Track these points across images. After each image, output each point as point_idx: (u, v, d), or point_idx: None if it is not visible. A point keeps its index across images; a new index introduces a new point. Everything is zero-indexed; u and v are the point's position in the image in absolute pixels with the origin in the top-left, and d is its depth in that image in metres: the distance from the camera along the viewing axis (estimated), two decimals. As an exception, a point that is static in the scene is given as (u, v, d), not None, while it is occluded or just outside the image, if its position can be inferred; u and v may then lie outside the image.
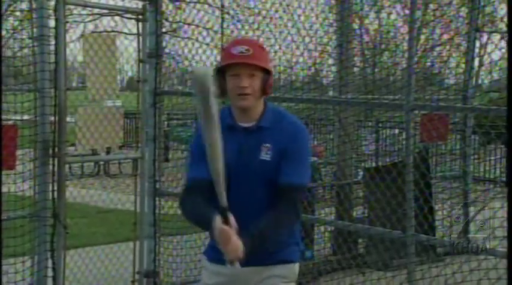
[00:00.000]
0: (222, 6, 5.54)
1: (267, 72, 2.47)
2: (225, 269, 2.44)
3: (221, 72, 2.48)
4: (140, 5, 4.98)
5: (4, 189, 4.11)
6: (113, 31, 6.41)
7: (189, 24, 5.62)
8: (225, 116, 2.48)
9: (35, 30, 4.28)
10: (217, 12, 5.54)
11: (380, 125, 10.73)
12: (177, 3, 5.51)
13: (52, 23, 4.30)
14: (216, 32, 5.49)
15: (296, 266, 2.60)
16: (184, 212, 2.55)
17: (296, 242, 2.61)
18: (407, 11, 6.16)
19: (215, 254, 2.48)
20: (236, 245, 2.28)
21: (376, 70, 7.61)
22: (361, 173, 6.61)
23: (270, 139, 2.47)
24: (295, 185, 2.44)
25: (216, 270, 2.59)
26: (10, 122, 4.34)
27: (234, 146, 2.45)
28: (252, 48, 2.45)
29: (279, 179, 2.44)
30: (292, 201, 2.45)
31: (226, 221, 2.31)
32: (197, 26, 5.53)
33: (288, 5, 5.58)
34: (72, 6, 7.92)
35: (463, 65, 6.38)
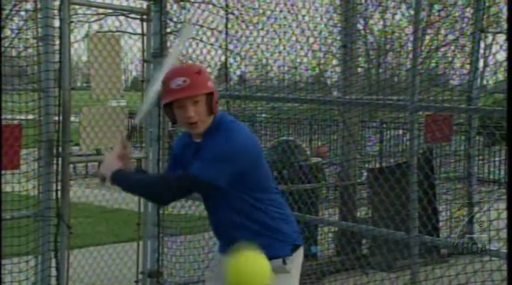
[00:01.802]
0: (227, 6, 5.55)
1: (210, 93, 2.61)
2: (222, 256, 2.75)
3: (168, 104, 2.65)
4: (145, 5, 4.99)
5: (8, 188, 4.12)
6: (117, 31, 6.42)
7: (193, 24, 5.62)
8: (185, 136, 2.80)
9: (39, 30, 4.29)
10: (222, 13, 5.54)
11: (384, 126, 10.71)
12: (182, 2, 5.51)
13: (57, 22, 4.30)
14: (220, 32, 5.49)
15: (279, 261, 2.68)
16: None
17: (280, 239, 2.70)
18: (412, 12, 6.15)
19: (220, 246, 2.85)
20: (108, 163, 2.71)
21: (381, 70, 7.60)
22: (365, 174, 6.60)
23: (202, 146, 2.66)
24: (189, 174, 2.56)
25: (217, 257, 2.87)
26: (15, 122, 4.35)
27: (185, 155, 2.72)
28: (189, 77, 2.58)
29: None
30: (179, 182, 2.58)
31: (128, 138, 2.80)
32: (201, 26, 5.53)
33: (292, 5, 5.58)
34: (77, 6, 7.94)
35: (467, 66, 6.36)
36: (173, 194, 2.63)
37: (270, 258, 2.58)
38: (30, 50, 4.53)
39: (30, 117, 4.46)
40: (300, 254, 2.77)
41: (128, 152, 2.78)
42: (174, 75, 2.62)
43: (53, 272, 4.36)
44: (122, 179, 2.67)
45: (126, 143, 2.77)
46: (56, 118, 4.31)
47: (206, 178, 2.54)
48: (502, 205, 4.82)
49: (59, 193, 4.32)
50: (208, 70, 5.70)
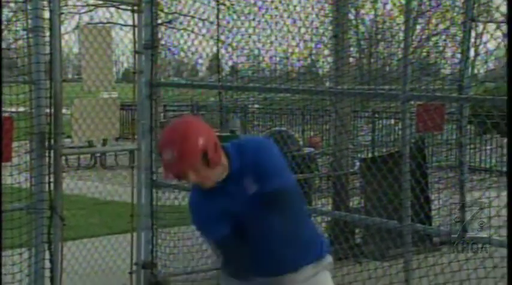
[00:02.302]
0: (218, -4, 5.53)
1: (204, 153, 2.39)
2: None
3: None
4: (135, -4, 4.96)
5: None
6: (108, 22, 6.39)
7: (184, 15, 5.60)
8: (199, 187, 2.53)
9: (29, 21, 4.26)
10: (213, 3, 5.52)
11: (376, 115, 10.74)
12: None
13: (47, 14, 4.27)
14: (212, 23, 5.48)
15: (330, 257, 2.77)
16: None
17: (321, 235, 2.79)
18: (403, 1, 6.15)
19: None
20: None
21: (372, 60, 7.61)
22: (357, 163, 6.62)
23: (245, 174, 2.48)
24: (282, 189, 2.51)
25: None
26: (6, 114, 4.33)
27: (226, 198, 2.50)
28: (175, 149, 2.36)
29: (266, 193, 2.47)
30: (285, 202, 2.54)
31: None
32: (193, 17, 5.51)
33: (283, -4, 5.57)
34: (67, -2, 7.87)
35: (458, 55, 6.37)
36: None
37: (323, 256, 2.70)
38: (20, 42, 4.50)
39: (22, 109, 4.43)
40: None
41: None
42: (163, 146, 2.43)
43: (47, 264, 4.36)
44: None
45: None
46: (48, 110, 4.29)
47: (291, 186, 2.58)
48: (494, 193, 4.86)
49: (52, 185, 4.31)
50: (200, 61, 5.71)
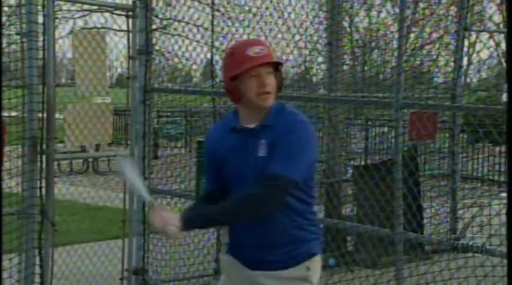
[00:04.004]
0: (213, 3, 5.54)
1: (278, 69, 2.46)
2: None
3: (234, 79, 2.41)
4: (130, 1, 4.97)
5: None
6: (102, 27, 6.39)
7: (179, 21, 5.60)
8: (229, 120, 2.51)
9: (23, 25, 4.25)
10: (208, 9, 5.53)
11: (369, 123, 10.77)
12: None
13: (41, 18, 4.27)
14: (206, 29, 5.48)
15: (303, 266, 2.44)
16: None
17: (300, 240, 2.45)
18: (397, 10, 6.18)
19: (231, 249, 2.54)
20: (164, 219, 2.33)
21: (366, 68, 7.63)
22: (350, 171, 6.63)
23: (267, 135, 2.39)
24: (279, 176, 2.30)
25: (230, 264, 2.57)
26: (-2, 118, 4.31)
27: (237, 148, 2.43)
28: (264, 47, 2.43)
29: (265, 170, 2.33)
30: (270, 188, 2.31)
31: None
32: (187, 23, 5.52)
33: (278, 3, 5.59)
34: (61, 2, 7.87)
35: (452, 64, 6.41)
36: (272, 202, 2.32)
37: (305, 258, 2.42)
38: (13, 46, 4.49)
39: (14, 113, 4.42)
40: (320, 264, 2.52)
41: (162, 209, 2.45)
42: (250, 44, 2.45)
43: (37, 269, 4.33)
44: (196, 220, 2.38)
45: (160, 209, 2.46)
46: (40, 115, 4.28)
47: (294, 176, 2.32)
48: (485, 202, 4.87)
49: (43, 190, 4.29)
50: (194, 67, 5.71)
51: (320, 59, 6.29)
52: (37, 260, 4.32)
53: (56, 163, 4.78)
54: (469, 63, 6.77)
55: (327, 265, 5.56)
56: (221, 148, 2.47)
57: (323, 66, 6.28)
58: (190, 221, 2.37)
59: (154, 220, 2.36)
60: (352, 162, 7.68)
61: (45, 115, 4.30)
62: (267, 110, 2.42)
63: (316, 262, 2.49)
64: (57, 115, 4.51)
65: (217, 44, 5.50)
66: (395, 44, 5.99)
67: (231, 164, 2.43)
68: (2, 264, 4.24)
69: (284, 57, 5.82)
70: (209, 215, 2.39)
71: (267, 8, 5.54)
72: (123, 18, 5.06)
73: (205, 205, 2.50)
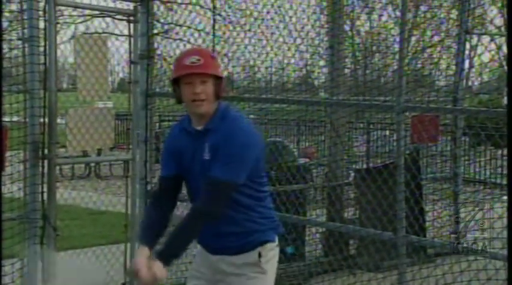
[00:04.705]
0: (214, 7, 5.54)
1: (218, 78, 2.66)
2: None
3: (176, 82, 2.67)
4: (131, 6, 4.97)
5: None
6: (104, 32, 6.39)
7: (180, 26, 5.61)
8: (184, 121, 2.76)
9: (25, 31, 4.26)
10: (209, 14, 5.54)
11: (371, 126, 10.76)
12: (169, 4, 5.51)
13: (42, 24, 4.28)
14: (207, 34, 5.49)
15: (255, 252, 2.68)
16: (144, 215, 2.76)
17: (252, 230, 2.68)
18: (398, 13, 6.19)
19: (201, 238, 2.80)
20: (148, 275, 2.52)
21: (367, 71, 7.63)
22: (352, 174, 6.62)
23: (211, 138, 2.63)
24: (221, 180, 2.55)
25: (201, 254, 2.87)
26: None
27: (188, 149, 2.68)
28: (203, 57, 2.65)
29: (207, 175, 2.58)
30: (215, 195, 2.58)
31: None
32: (189, 27, 5.52)
33: (279, 7, 5.59)
34: (62, 7, 7.89)
35: (453, 67, 6.40)
36: (217, 209, 2.58)
37: (256, 245, 2.66)
38: (15, 51, 4.50)
39: (16, 118, 4.42)
40: (276, 253, 2.76)
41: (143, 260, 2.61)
42: (189, 53, 2.69)
43: (39, 274, 4.32)
44: (171, 254, 2.61)
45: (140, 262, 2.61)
46: (42, 120, 4.28)
47: (234, 179, 2.56)
48: (487, 205, 4.86)
49: (45, 195, 4.29)
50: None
51: (321, 63, 6.30)
52: (39, 265, 4.31)
53: (57, 167, 4.78)
54: (471, 66, 6.76)
55: (285, 254, 5.55)
56: (177, 146, 2.75)
57: (324, 70, 6.28)
58: (167, 257, 2.58)
59: (144, 278, 2.52)
60: (354, 165, 7.67)
61: (47, 120, 4.31)
62: (210, 114, 2.65)
63: (269, 250, 2.72)
64: (59, 120, 4.52)
65: (218, 48, 5.51)
66: (396, 47, 5.99)
67: (184, 161, 2.71)
68: (3, 269, 4.24)
69: (285, 61, 5.82)
70: (176, 244, 2.61)
71: (268, 12, 5.54)
72: (125, 23, 5.06)
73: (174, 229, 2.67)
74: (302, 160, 7.39)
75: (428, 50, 6.80)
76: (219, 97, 2.66)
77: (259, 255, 2.68)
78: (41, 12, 4.25)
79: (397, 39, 5.18)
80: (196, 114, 2.66)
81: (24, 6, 4.25)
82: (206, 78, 2.62)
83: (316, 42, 6.06)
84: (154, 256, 2.59)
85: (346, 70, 6.88)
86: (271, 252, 2.73)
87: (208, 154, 2.63)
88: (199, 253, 2.87)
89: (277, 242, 2.76)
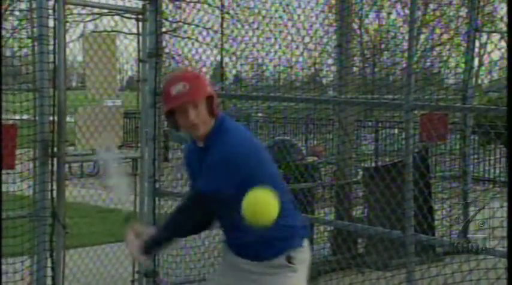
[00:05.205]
0: (222, 6, 5.55)
1: (209, 96, 2.67)
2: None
3: (169, 111, 2.71)
4: (140, 4, 4.98)
5: (3, 188, 4.10)
6: (112, 31, 6.42)
7: (189, 24, 5.62)
8: (191, 143, 2.82)
9: (34, 29, 4.28)
10: (217, 12, 5.54)
11: (379, 125, 10.73)
12: (177, 2, 5.51)
13: (51, 22, 4.29)
14: (216, 32, 5.49)
15: (265, 263, 2.71)
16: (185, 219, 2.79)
17: (267, 241, 2.70)
18: (407, 11, 6.16)
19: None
20: (132, 247, 2.74)
21: (376, 70, 7.61)
22: (360, 173, 6.61)
23: (209, 154, 2.68)
24: (197, 193, 2.70)
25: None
26: (10, 122, 4.34)
27: (196, 165, 2.76)
28: (188, 82, 2.64)
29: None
30: (191, 201, 2.72)
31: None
32: (197, 25, 5.53)
33: (287, 5, 5.58)
34: (71, 6, 7.92)
35: (462, 65, 6.37)
36: (201, 214, 2.71)
37: (278, 254, 2.68)
38: (24, 50, 4.52)
39: (25, 117, 4.45)
40: (306, 256, 2.79)
41: (138, 229, 2.82)
42: (174, 82, 2.68)
43: (49, 272, 4.35)
44: (155, 244, 2.75)
45: (136, 228, 2.82)
46: (51, 118, 4.30)
47: (211, 190, 2.62)
48: (497, 204, 4.84)
49: (54, 193, 4.31)
50: (204, 69, 5.72)
51: (330, 61, 6.29)
52: (49, 263, 4.34)
53: (67, 165, 4.80)
54: (480, 64, 6.73)
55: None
56: (189, 164, 2.87)
57: (333, 68, 6.27)
58: (152, 246, 2.74)
59: (126, 241, 2.74)
60: (362, 164, 7.65)
61: (56, 118, 4.33)
62: (208, 132, 2.70)
63: (298, 253, 2.74)
64: (68, 118, 4.53)
65: (226, 46, 5.51)
66: (405, 45, 5.97)
67: (196, 177, 2.79)
68: (13, 266, 4.27)
69: (294, 59, 5.82)
70: (162, 236, 2.75)
71: (276, 11, 5.54)
72: (133, 21, 5.07)
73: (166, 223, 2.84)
74: (310, 159, 7.38)
75: (438, 48, 6.77)
76: (213, 114, 2.68)
77: (287, 259, 2.72)
78: (50, 11, 4.27)
79: (406, 37, 5.16)
80: (197, 136, 2.73)
81: (34, 5, 4.27)
82: (197, 102, 2.64)
83: (325, 40, 6.05)
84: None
85: (355, 69, 6.87)
86: (299, 254, 2.76)
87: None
88: (225, 250, 2.90)
89: (305, 246, 2.78)
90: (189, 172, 2.88)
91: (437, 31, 6.72)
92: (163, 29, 5.11)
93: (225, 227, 2.82)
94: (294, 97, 5.50)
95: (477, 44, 6.45)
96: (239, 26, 5.54)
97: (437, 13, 6.59)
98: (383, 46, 7.29)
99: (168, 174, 5.41)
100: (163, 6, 5.07)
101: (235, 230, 2.74)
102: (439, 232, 5.92)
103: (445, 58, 6.63)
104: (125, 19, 5.89)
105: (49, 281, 4.36)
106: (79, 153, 5.85)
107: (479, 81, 6.69)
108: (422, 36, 6.76)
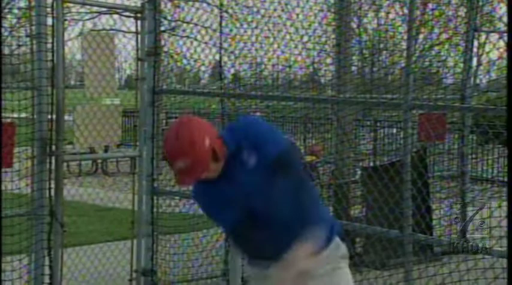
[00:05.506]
0: (221, 4, 5.54)
1: (211, 149, 2.48)
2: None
3: None
4: (139, 3, 4.99)
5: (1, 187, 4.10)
6: (111, 29, 6.40)
7: (187, 23, 5.62)
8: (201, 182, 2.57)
9: (33, 27, 4.27)
10: (216, 11, 5.54)
11: (378, 124, 10.73)
12: (176, 1, 5.51)
13: (50, 20, 4.29)
14: (214, 31, 5.49)
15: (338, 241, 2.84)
16: None
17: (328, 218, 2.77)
18: (406, 10, 6.17)
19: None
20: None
21: (375, 69, 7.61)
22: (359, 172, 6.61)
23: (241, 151, 2.52)
24: (284, 150, 2.52)
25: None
26: (8, 120, 4.34)
27: (227, 191, 2.54)
28: (188, 157, 2.43)
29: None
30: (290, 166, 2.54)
31: None
32: (196, 24, 5.53)
33: (286, 4, 5.58)
34: (70, 4, 7.91)
35: (461, 65, 6.38)
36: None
37: (331, 239, 2.75)
38: (23, 48, 4.52)
39: (23, 115, 4.44)
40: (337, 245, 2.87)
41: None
42: (173, 158, 2.48)
43: (47, 270, 4.35)
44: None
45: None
46: (50, 116, 4.30)
47: (287, 144, 2.58)
48: (495, 203, 4.84)
49: (52, 191, 4.31)
50: (203, 68, 5.72)
51: (328, 60, 6.28)
52: (46, 261, 4.34)
53: (65, 164, 4.80)
54: (479, 63, 6.73)
55: None
56: (214, 192, 2.65)
57: (331, 67, 6.27)
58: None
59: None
60: (360, 163, 7.66)
61: (54, 116, 4.32)
62: (223, 167, 2.54)
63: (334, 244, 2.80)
64: (66, 117, 4.53)
65: (225, 45, 5.51)
66: (404, 45, 5.97)
67: (235, 203, 2.60)
68: (11, 265, 4.27)
69: (292, 59, 5.82)
70: None
71: (275, 10, 5.53)
72: (132, 20, 5.07)
73: None
74: (309, 158, 7.38)
75: (436, 48, 6.77)
76: (224, 155, 2.50)
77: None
78: (49, 9, 4.27)
79: (405, 37, 5.17)
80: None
81: (33, 3, 4.27)
82: (201, 173, 2.48)
83: (323, 39, 6.05)
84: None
85: (353, 68, 6.86)
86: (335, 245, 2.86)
87: (253, 158, 2.51)
88: (256, 274, 2.74)
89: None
90: (223, 201, 2.55)
91: (436, 31, 6.72)
92: (162, 28, 5.11)
93: (274, 237, 2.52)
94: (293, 97, 5.50)
95: (476, 43, 6.45)
96: (238, 24, 5.54)
97: (436, 13, 6.59)
98: (382, 45, 7.29)
99: (167, 173, 5.41)
100: (162, 5, 5.07)
101: (291, 228, 2.47)
102: (437, 231, 5.92)
103: (443, 57, 6.64)
104: (123, 18, 5.88)
105: (47, 279, 4.35)
106: (77, 152, 5.85)
107: (478, 81, 6.69)
108: (420, 36, 6.76)
